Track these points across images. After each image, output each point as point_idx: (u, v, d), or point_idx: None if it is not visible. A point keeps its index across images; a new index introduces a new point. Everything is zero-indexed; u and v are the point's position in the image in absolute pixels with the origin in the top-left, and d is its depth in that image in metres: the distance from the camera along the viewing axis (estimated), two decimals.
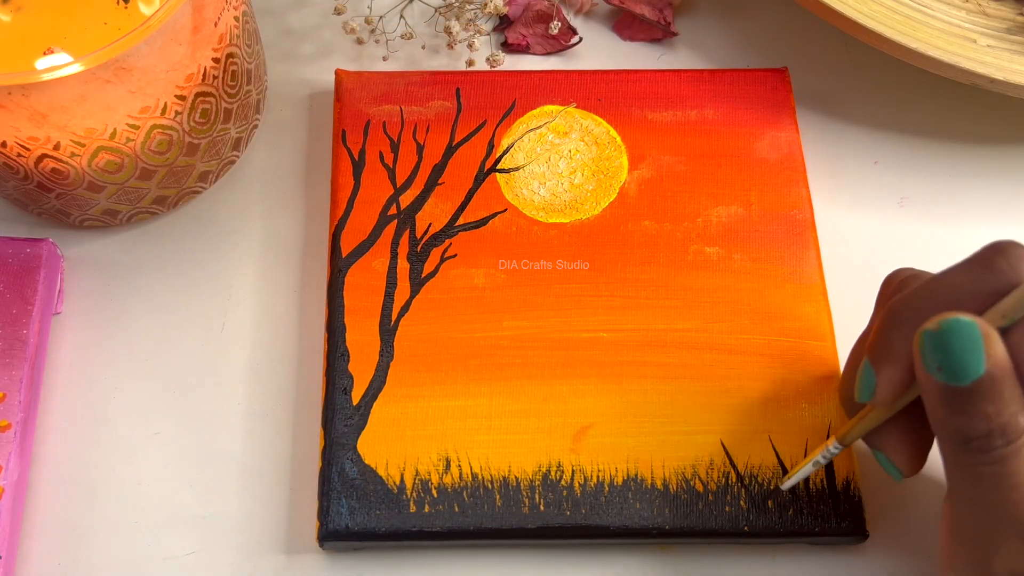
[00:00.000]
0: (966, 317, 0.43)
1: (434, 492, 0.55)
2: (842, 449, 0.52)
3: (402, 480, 0.56)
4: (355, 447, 0.56)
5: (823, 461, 0.53)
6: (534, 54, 0.72)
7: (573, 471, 0.56)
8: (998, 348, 0.43)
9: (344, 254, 0.61)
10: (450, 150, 0.64)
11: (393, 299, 0.60)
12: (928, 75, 0.66)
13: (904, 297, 0.47)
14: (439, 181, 0.63)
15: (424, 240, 0.61)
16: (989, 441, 0.43)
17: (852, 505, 0.56)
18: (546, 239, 0.62)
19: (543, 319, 0.60)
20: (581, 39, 0.72)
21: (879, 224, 0.67)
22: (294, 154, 0.67)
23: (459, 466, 0.56)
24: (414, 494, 0.55)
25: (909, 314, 0.46)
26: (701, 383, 0.58)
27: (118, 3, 0.53)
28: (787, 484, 0.55)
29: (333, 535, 0.55)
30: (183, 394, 0.60)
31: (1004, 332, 0.44)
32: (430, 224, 0.62)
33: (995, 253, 0.45)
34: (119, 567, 0.57)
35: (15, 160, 0.55)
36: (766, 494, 0.56)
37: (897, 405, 0.49)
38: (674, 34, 0.72)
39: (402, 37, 0.71)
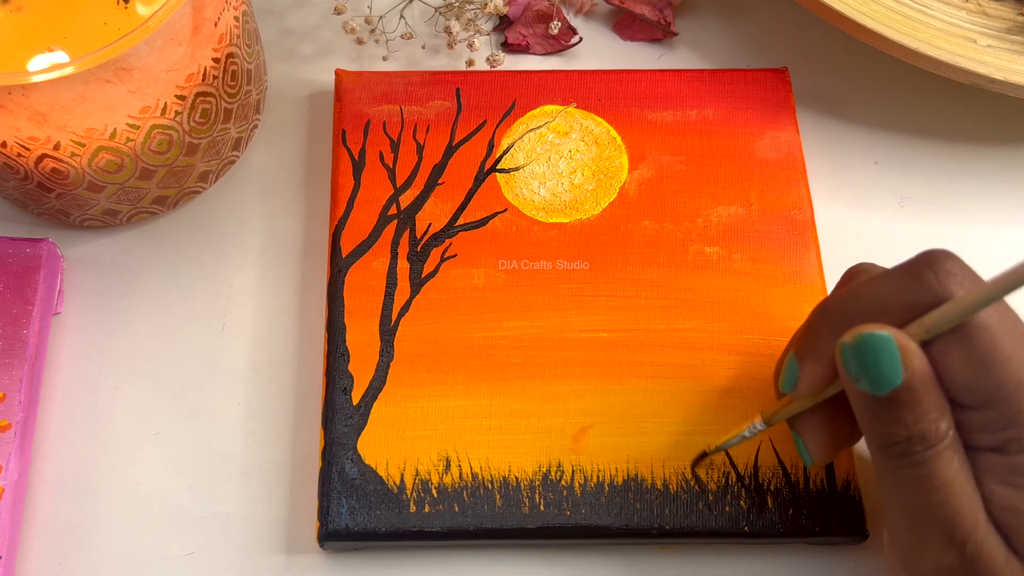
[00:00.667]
0: (882, 331, 0.44)
1: (434, 492, 0.55)
2: (766, 428, 0.53)
3: (402, 480, 0.56)
4: (355, 447, 0.56)
5: (748, 435, 0.54)
6: (534, 54, 0.72)
7: (573, 471, 0.56)
8: (916, 360, 0.44)
9: (344, 254, 0.61)
10: (450, 150, 0.64)
11: (393, 299, 0.60)
12: (928, 75, 0.66)
13: (835, 297, 0.49)
14: (439, 181, 0.63)
15: (424, 240, 0.61)
16: (910, 446, 0.45)
17: (852, 505, 0.56)
18: (546, 239, 0.62)
19: (543, 319, 0.60)
20: (581, 39, 0.72)
21: (879, 224, 0.67)
22: (294, 154, 0.67)
23: (459, 466, 0.56)
24: (414, 494, 0.55)
25: (835, 316, 0.48)
26: (701, 383, 0.58)
27: (118, 3, 0.53)
28: (715, 450, 0.56)
29: (333, 535, 0.55)
30: (183, 394, 0.60)
31: (927, 343, 0.45)
32: (430, 224, 0.62)
33: (925, 264, 0.45)
34: (119, 567, 0.57)
35: (15, 160, 0.55)
36: (765, 494, 0.56)
37: (817, 398, 0.50)
38: (674, 34, 0.72)
39: (402, 37, 0.71)
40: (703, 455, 0.56)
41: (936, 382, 0.45)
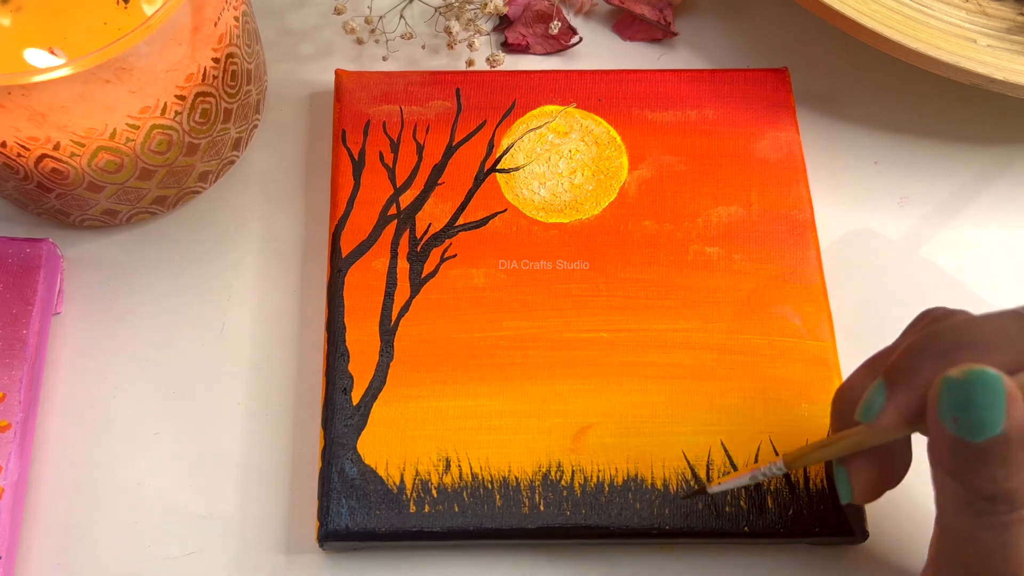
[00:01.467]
0: (993, 371, 0.40)
1: (434, 492, 0.55)
2: (783, 472, 0.51)
3: (402, 480, 0.56)
4: (355, 447, 0.56)
5: (760, 478, 0.52)
6: (534, 54, 0.72)
7: (573, 471, 0.56)
8: (1020, 409, 0.40)
9: (344, 254, 0.61)
10: (450, 150, 0.64)
11: (393, 299, 0.60)
12: (928, 75, 0.66)
13: (942, 328, 0.45)
14: (439, 181, 0.63)
15: (424, 240, 0.61)
16: (993, 505, 0.41)
17: (853, 505, 0.56)
18: (546, 239, 0.62)
19: (543, 319, 0.60)
20: (581, 39, 0.72)
21: (879, 224, 0.67)
22: (294, 154, 0.67)
23: (459, 466, 0.56)
24: (414, 494, 0.55)
25: (941, 346, 0.44)
26: (701, 383, 0.58)
27: (118, 3, 0.53)
28: (715, 489, 0.54)
29: (333, 535, 0.55)
30: (183, 394, 0.60)
31: None
32: (430, 224, 0.62)
33: None
34: (119, 567, 0.57)
35: (15, 160, 0.55)
36: (765, 494, 0.56)
37: (888, 436, 0.46)
38: (674, 34, 0.72)
39: (402, 37, 0.71)
40: (702, 491, 0.55)
41: None
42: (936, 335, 0.44)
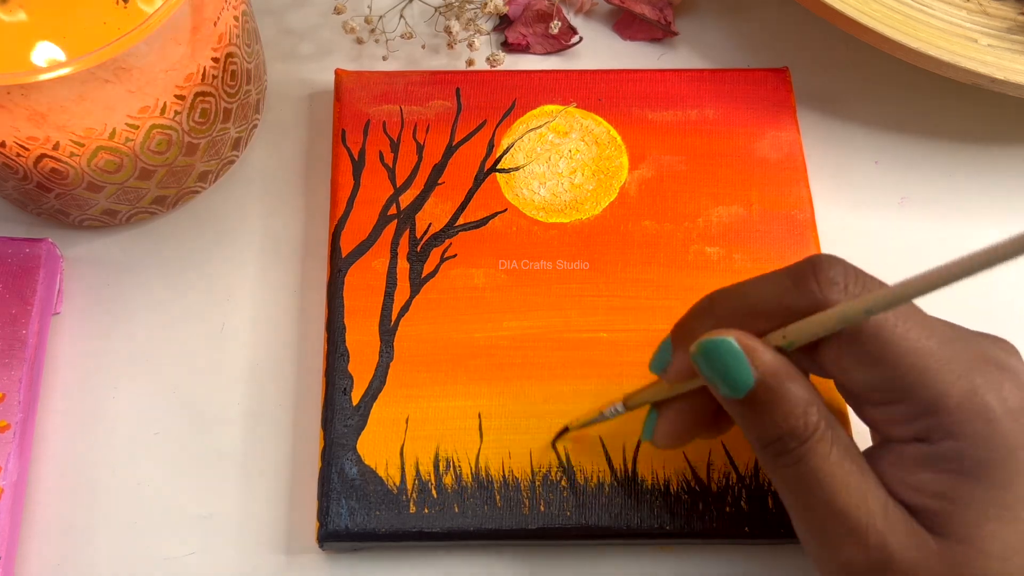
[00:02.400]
0: (724, 336, 0.45)
1: (434, 492, 0.55)
2: (625, 412, 0.53)
3: (402, 480, 0.56)
4: (355, 447, 0.56)
5: (608, 416, 0.54)
6: (534, 54, 0.72)
7: (573, 472, 0.56)
8: (765, 358, 0.44)
9: (344, 254, 0.61)
10: (450, 150, 0.64)
11: (393, 299, 0.60)
12: (929, 75, 0.66)
13: (721, 290, 0.48)
14: (439, 181, 0.63)
15: (424, 240, 0.61)
16: (783, 444, 0.45)
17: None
18: (546, 239, 0.62)
19: (543, 319, 0.60)
20: (581, 39, 0.72)
21: (880, 224, 0.67)
22: (294, 154, 0.67)
23: (459, 467, 0.56)
24: (414, 494, 0.55)
25: (718, 309, 0.48)
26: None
27: (117, 2, 0.53)
28: (576, 427, 0.56)
29: (333, 535, 0.55)
30: (183, 394, 0.60)
31: (815, 346, 0.45)
32: (430, 224, 0.62)
33: (809, 270, 0.45)
34: (118, 567, 0.57)
35: (14, 160, 0.55)
36: (766, 494, 0.56)
37: (678, 389, 0.50)
38: (674, 34, 0.72)
39: (402, 37, 0.71)
40: (564, 430, 0.57)
41: (798, 375, 0.45)
42: (716, 299, 0.48)
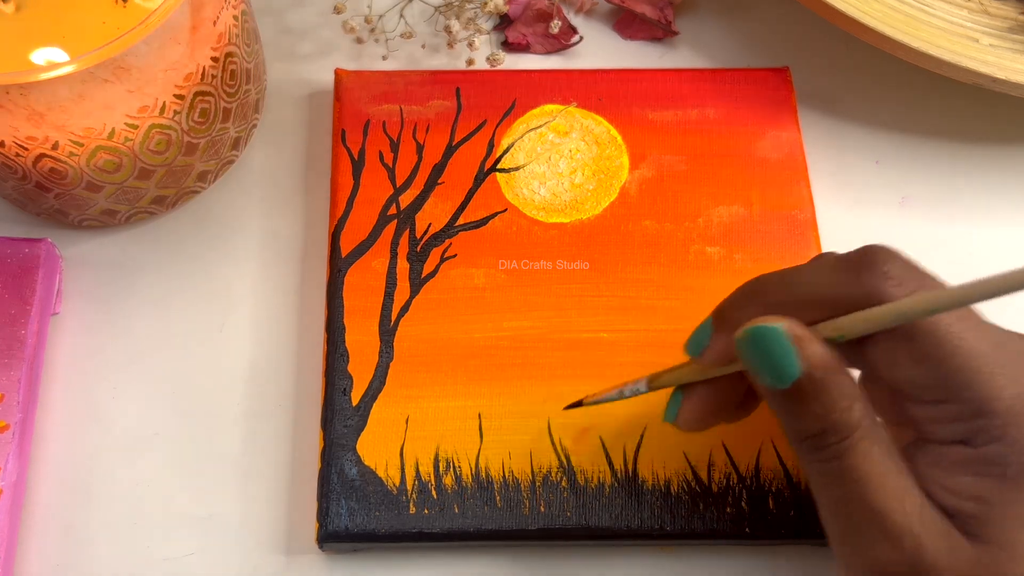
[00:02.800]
0: (774, 324, 0.43)
1: (434, 493, 0.55)
2: (647, 391, 0.52)
3: (402, 481, 0.56)
4: (354, 448, 0.56)
5: (627, 395, 0.53)
6: (534, 53, 0.72)
7: (574, 472, 0.56)
8: (814, 349, 0.43)
9: (344, 254, 0.61)
10: (450, 150, 0.64)
11: (393, 299, 0.60)
12: (930, 74, 0.66)
13: (769, 275, 0.48)
14: (439, 181, 0.63)
15: (424, 240, 0.61)
16: (824, 439, 0.44)
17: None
18: (546, 239, 0.62)
19: (543, 319, 0.60)
20: (582, 38, 0.72)
21: (880, 224, 0.67)
22: (293, 154, 0.68)
23: (459, 467, 0.56)
24: (414, 495, 0.55)
25: (764, 294, 0.47)
26: None
27: (116, 2, 0.53)
28: (592, 401, 0.55)
29: (332, 536, 0.55)
30: (182, 394, 0.61)
31: (863, 339, 0.44)
32: (430, 224, 0.62)
33: (865, 261, 0.44)
34: (118, 568, 0.57)
35: (13, 160, 0.55)
36: (767, 495, 0.56)
37: (712, 372, 0.49)
38: (675, 33, 0.72)
39: (402, 36, 0.71)
40: (579, 403, 0.56)
41: (844, 369, 0.44)
42: (763, 282, 0.48)
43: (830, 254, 0.47)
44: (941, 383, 0.43)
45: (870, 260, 0.44)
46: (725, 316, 0.48)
